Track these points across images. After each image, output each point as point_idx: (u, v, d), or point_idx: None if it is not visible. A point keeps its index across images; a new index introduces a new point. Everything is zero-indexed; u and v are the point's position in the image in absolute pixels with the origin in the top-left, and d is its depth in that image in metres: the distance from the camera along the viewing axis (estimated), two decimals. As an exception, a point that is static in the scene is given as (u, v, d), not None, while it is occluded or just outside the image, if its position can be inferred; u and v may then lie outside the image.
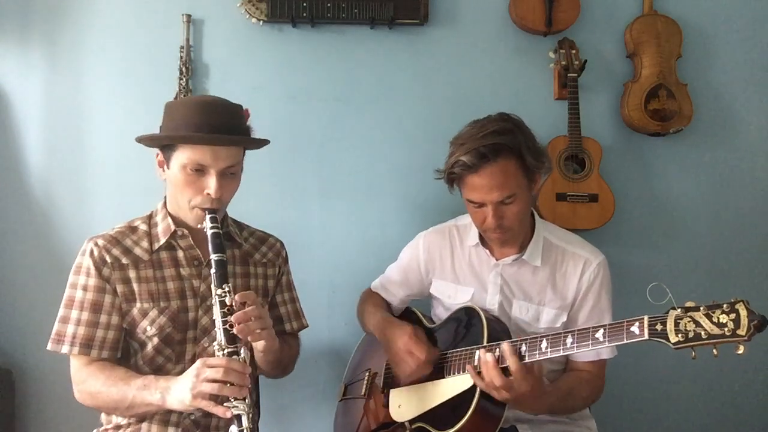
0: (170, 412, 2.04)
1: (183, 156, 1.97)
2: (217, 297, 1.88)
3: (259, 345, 1.98)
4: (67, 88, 2.96)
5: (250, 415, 1.79)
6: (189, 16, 2.96)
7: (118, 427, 2.08)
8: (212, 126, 1.97)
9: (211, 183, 1.97)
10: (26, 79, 2.96)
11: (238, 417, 1.77)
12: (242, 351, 1.86)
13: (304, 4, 2.91)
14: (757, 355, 3.00)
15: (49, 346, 2.00)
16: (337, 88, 3.04)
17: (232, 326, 1.85)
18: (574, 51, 2.91)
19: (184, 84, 2.91)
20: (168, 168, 2.04)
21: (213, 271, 1.91)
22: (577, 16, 2.99)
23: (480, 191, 2.09)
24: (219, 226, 1.97)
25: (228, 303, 1.87)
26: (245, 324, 1.85)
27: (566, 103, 2.92)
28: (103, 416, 2.15)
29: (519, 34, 3.06)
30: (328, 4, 2.92)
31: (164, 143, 2.02)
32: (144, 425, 2.05)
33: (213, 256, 1.92)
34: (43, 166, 2.96)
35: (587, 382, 2.20)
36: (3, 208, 2.95)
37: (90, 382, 1.98)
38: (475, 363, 1.99)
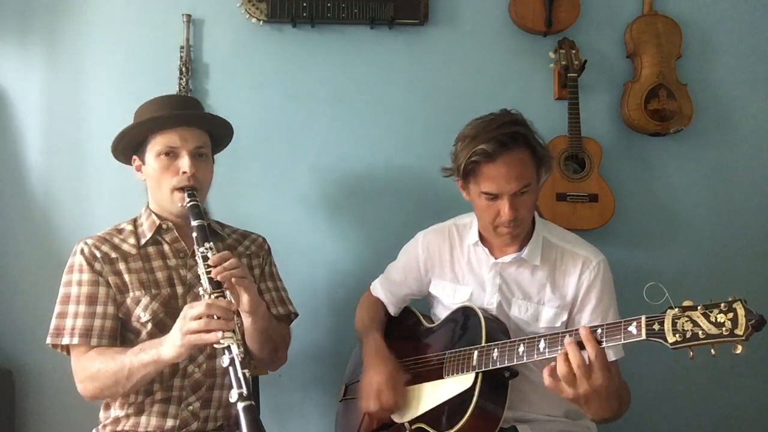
0: (168, 404, 2.10)
1: (155, 144, 2.14)
2: (200, 253, 1.99)
3: (244, 302, 2.00)
4: (67, 88, 2.96)
5: (241, 347, 1.82)
6: (189, 16, 2.96)
7: (117, 421, 2.11)
8: (174, 110, 2.18)
9: (184, 162, 2.13)
10: (26, 79, 2.96)
11: (228, 348, 1.81)
12: (228, 295, 1.94)
13: (304, 4, 2.92)
14: (755, 354, 2.99)
15: (49, 340, 2.07)
16: (337, 88, 3.04)
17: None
18: (574, 51, 2.91)
19: (184, 84, 2.90)
20: (144, 165, 2.20)
21: (194, 234, 2.04)
22: (577, 16, 2.99)
23: (498, 181, 2.07)
24: (197, 200, 2.11)
25: (210, 257, 1.96)
26: (222, 266, 1.92)
27: (566, 103, 2.92)
28: (101, 413, 2.18)
29: (519, 34, 3.05)
30: (328, 4, 2.92)
31: (133, 141, 2.19)
32: (143, 418, 2.09)
33: (193, 222, 2.06)
34: (43, 166, 2.96)
35: (621, 384, 2.15)
36: (3, 208, 2.95)
37: (89, 366, 2.03)
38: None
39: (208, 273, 1.93)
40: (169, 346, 1.90)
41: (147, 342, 2.01)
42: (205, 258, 1.96)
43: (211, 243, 2.01)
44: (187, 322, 1.85)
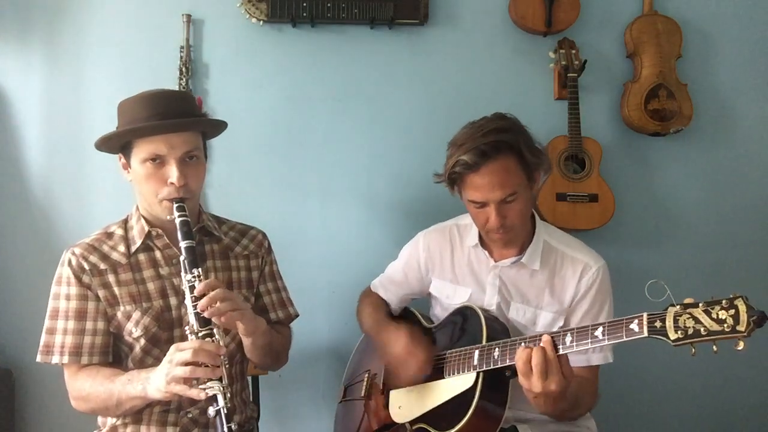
0: (167, 412, 2.07)
1: (140, 151, 1.98)
2: (187, 282, 1.89)
3: (241, 329, 1.98)
4: (67, 88, 2.96)
5: (227, 395, 1.78)
6: (189, 16, 2.96)
7: (114, 429, 2.09)
8: (160, 115, 1.97)
9: (172, 172, 1.97)
10: (26, 79, 2.96)
11: (214, 397, 1.77)
12: (216, 333, 1.86)
13: (304, 4, 2.92)
14: (756, 352, 2.99)
15: (39, 358, 2.01)
16: (337, 88, 3.04)
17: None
18: (574, 51, 2.92)
19: (184, 84, 2.90)
20: (130, 168, 2.05)
21: (183, 257, 1.92)
22: (577, 16, 2.99)
23: (482, 190, 2.08)
24: (187, 214, 1.97)
25: (197, 286, 1.87)
26: (210, 297, 1.84)
27: (566, 103, 2.93)
28: (99, 418, 2.16)
29: (519, 34, 3.06)
30: (328, 4, 2.92)
31: (117, 142, 2.04)
32: (143, 428, 2.07)
33: (182, 243, 1.93)
34: (43, 165, 2.96)
35: (587, 390, 2.17)
36: (3, 208, 2.95)
37: (80, 386, 1.99)
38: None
39: (195, 307, 1.85)
40: (154, 389, 1.84)
41: (135, 373, 1.94)
42: (192, 289, 1.87)
43: (200, 270, 1.90)
44: (173, 367, 1.78)
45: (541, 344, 1.82)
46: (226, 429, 1.74)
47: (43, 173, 2.96)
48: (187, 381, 1.78)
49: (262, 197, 3.00)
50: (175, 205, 1.97)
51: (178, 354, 1.80)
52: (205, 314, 1.83)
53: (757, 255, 3.09)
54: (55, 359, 1.99)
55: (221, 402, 1.76)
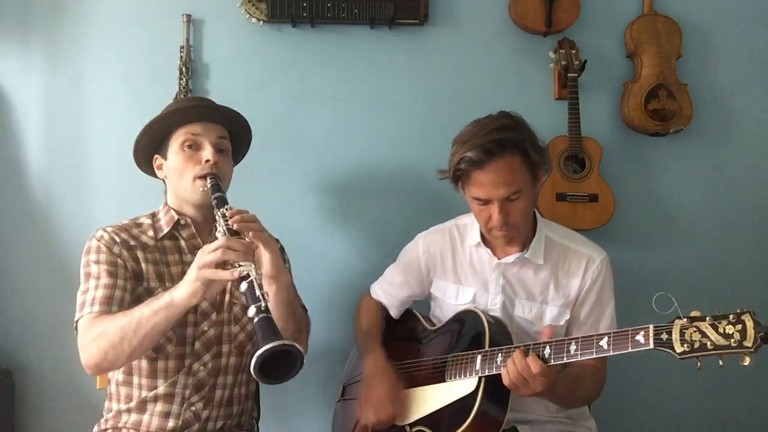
0: (171, 403, 2.10)
1: (178, 137, 2.19)
2: (219, 214, 2.01)
3: (266, 262, 2.02)
4: (67, 88, 2.96)
5: (260, 273, 1.84)
6: (189, 16, 2.95)
7: (118, 415, 2.13)
8: (198, 106, 2.25)
9: (207, 152, 2.17)
10: (26, 79, 2.95)
11: (246, 276, 1.79)
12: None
13: (304, 4, 2.91)
14: (757, 359, 3.00)
15: (77, 317, 2.04)
16: (337, 88, 3.03)
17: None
18: (574, 51, 2.91)
19: (184, 84, 2.90)
20: (166, 161, 2.23)
21: (214, 201, 2.07)
22: (577, 16, 2.99)
23: (486, 187, 2.08)
24: (218, 183, 2.14)
25: (229, 215, 1.99)
26: (243, 221, 1.97)
27: (566, 103, 2.92)
28: (105, 403, 2.19)
29: (519, 34, 3.05)
30: (328, 4, 2.92)
31: (158, 128, 2.22)
32: (145, 417, 2.10)
33: (213, 195, 2.09)
34: (43, 165, 2.95)
35: (592, 373, 2.19)
36: (3, 208, 2.94)
37: (96, 327, 1.96)
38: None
39: (226, 224, 1.95)
40: (184, 285, 1.88)
41: (159, 294, 1.98)
42: (223, 216, 1.98)
43: (230, 207, 2.03)
44: (204, 255, 1.84)
45: (513, 358, 1.90)
46: (259, 295, 1.74)
47: (43, 173, 2.95)
48: (218, 266, 1.83)
49: (261, 197, 2.97)
50: (209, 178, 2.14)
51: (210, 245, 1.88)
52: (235, 227, 1.93)
53: (757, 254, 3.10)
54: (87, 310, 2.01)
55: (254, 273, 1.79)
